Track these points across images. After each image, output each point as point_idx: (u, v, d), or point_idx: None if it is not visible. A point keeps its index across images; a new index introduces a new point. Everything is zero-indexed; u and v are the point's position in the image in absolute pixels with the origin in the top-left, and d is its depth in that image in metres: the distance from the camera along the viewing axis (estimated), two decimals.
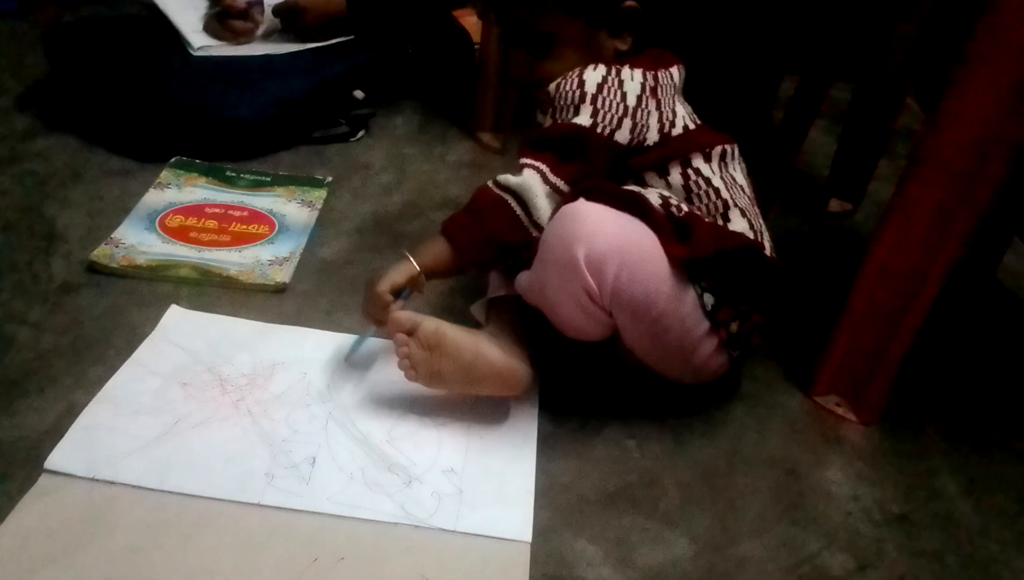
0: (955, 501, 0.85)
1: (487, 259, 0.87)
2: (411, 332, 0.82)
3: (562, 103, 0.85)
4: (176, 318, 0.96)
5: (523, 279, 0.85)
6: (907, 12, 1.21)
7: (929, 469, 0.89)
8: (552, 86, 0.86)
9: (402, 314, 0.82)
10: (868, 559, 0.78)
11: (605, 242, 0.77)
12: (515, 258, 0.87)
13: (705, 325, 0.83)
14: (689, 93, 0.94)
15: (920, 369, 0.97)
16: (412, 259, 0.86)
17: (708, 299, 0.82)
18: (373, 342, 0.92)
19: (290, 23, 1.44)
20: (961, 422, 0.96)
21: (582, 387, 0.92)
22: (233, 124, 1.28)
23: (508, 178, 0.83)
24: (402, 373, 0.84)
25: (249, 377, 0.89)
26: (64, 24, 1.46)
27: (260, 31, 1.45)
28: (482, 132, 1.48)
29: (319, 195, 1.23)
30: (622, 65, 0.86)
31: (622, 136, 0.84)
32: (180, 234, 1.11)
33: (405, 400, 0.87)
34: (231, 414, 0.84)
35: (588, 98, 0.83)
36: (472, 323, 0.92)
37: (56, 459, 0.76)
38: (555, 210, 0.82)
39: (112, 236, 1.09)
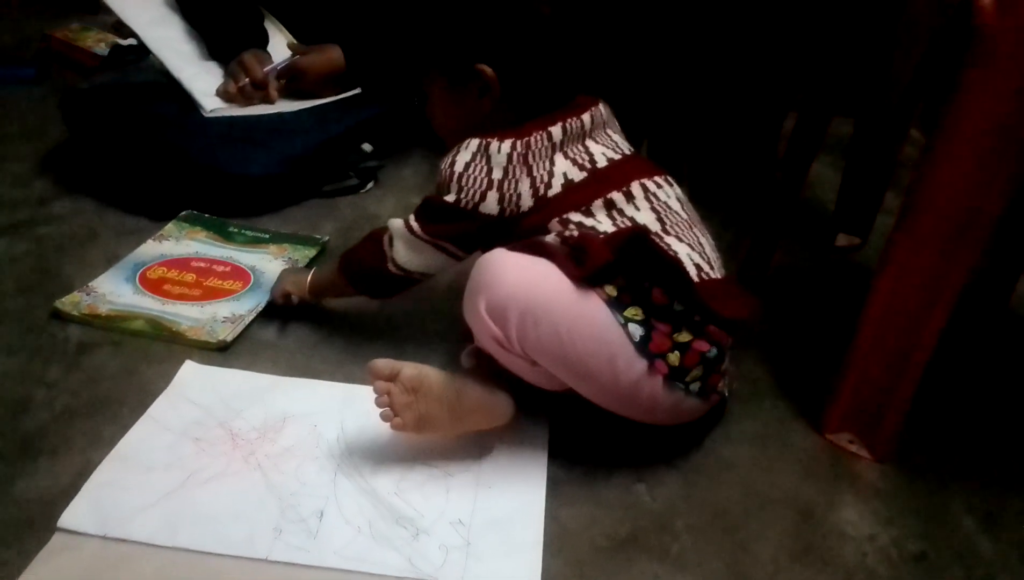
0: (973, 537, 0.84)
1: (357, 280, 1.00)
2: (392, 378, 0.83)
3: (438, 180, 0.92)
4: (190, 373, 0.97)
5: None
6: (905, 46, 1.22)
7: (946, 505, 0.87)
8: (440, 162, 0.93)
9: (381, 361, 0.84)
10: None
11: (504, 289, 0.80)
12: (384, 289, 1.00)
13: (641, 363, 0.81)
14: (685, 131, 0.94)
15: (934, 403, 0.96)
16: (308, 277, 1.05)
17: (635, 330, 0.81)
18: None
19: (292, 85, 1.48)
20: (977, 456, 0.94)
21: (590, 432, 0.91)
22: (243, 181, 1.31)
23: (391, 219, 0.95)
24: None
25: (260, 430, 0.90)
26: (81, 90, 1.50)
27: (277, 98, 1.48)
28: None
29: (307, 254, 1.22)
30: (493, 138, 0.89)
31: (488, 208, 0.89)
32: (155, 286, 1.12)
33: (414, 450, 0.87)
34: (241, 468, 0.85)
35: (455, 178, 0.90)
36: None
37: (69, 518, 0.77)
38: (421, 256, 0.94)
39: (90, 284, 1.11)
